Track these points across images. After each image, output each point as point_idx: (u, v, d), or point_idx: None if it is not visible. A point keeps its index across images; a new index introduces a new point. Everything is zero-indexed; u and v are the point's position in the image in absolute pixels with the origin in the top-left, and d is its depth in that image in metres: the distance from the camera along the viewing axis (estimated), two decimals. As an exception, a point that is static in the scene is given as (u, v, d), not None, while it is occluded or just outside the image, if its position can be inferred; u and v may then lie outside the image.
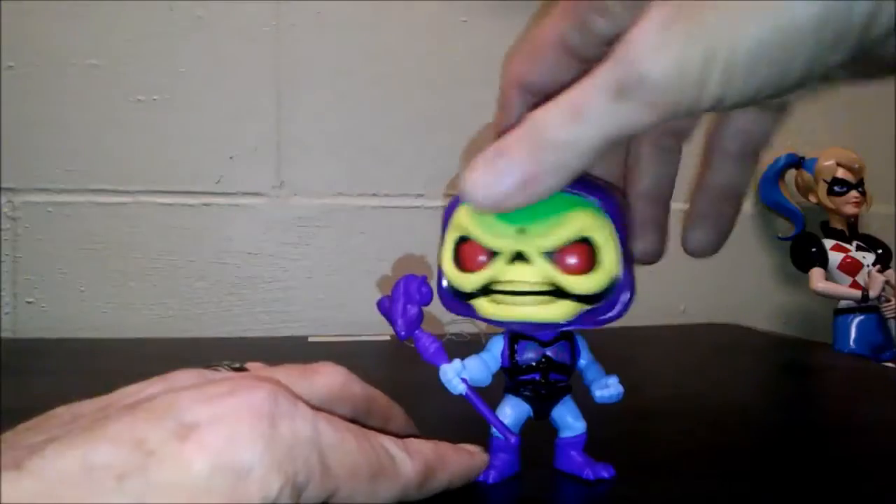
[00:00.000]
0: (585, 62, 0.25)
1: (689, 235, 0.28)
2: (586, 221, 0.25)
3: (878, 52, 0.19)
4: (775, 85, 0.19)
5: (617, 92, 0.20)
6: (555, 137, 0.21)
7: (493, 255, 0.25)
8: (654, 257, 0.28)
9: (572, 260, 0.25)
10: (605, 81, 0.20)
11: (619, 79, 0.19)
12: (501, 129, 0.27)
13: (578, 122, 0.20)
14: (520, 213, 0.24)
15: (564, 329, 0.27)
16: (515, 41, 0.27)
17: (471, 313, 0.27)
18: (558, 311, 0.25)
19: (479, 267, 0.26)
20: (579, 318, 0.26)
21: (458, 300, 0.27)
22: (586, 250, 0.25)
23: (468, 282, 0.26)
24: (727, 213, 0.28)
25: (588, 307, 0.26)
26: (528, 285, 0.25)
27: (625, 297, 0.26)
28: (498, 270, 0.25)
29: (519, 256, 0.25)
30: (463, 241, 0.26)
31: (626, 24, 0.21)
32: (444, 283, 0.27)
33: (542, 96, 0.27)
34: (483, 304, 0.26)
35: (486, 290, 0.26)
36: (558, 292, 0.25)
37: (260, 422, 0.19)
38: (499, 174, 0.21)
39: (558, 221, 0.25)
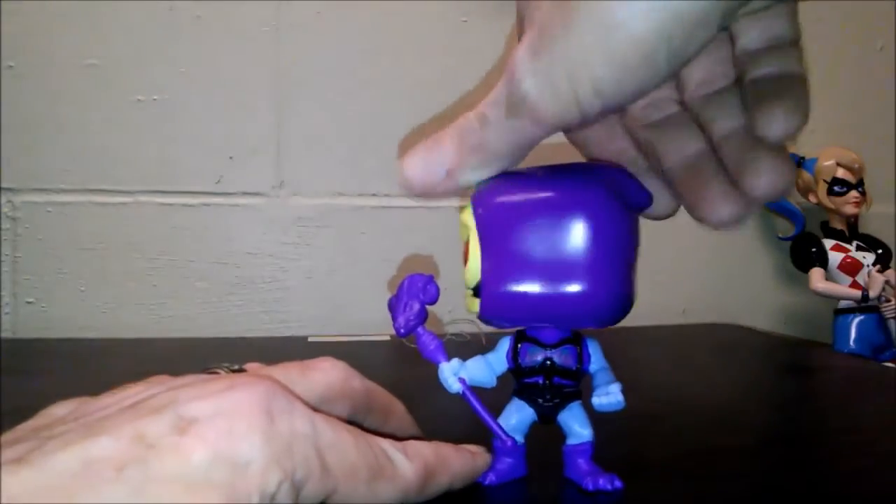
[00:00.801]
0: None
1: (756, 170, 0.22)
2: (462, 220, 0.26)
3: None
4: (653, 74, 0.20)
5: (508, 108, 0.22)
6: (470, 140, 0.24)
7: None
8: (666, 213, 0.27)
9: (464, 254, 0.26)
10: (500, 96, 0.22)
11: (508, 97, 0.22)
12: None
13: (486, 130, 0.23)
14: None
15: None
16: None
17: None
18: (470, 304, 0.27)
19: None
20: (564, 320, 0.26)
21: None
22: (466, 247, 0.26)
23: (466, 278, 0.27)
24: (772, 154, 0.22)
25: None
26: (471, 281, 0.27)
27: (485, 299, 0.25)
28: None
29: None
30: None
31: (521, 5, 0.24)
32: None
33: None
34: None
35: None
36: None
37: (258, 417, 0.19)
38: (431, 163, 0.24)
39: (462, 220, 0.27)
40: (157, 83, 0.65)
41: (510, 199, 0.25)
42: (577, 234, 0.24)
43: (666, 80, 0.20)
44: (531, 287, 0.25)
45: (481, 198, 0.25)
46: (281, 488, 0.18)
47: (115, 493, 0.17)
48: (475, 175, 0.24)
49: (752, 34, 0.23)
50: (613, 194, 0.25)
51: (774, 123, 0.21)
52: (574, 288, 0.24)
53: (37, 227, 0.63)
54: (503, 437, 0.27)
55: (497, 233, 0.25)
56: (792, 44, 0.22)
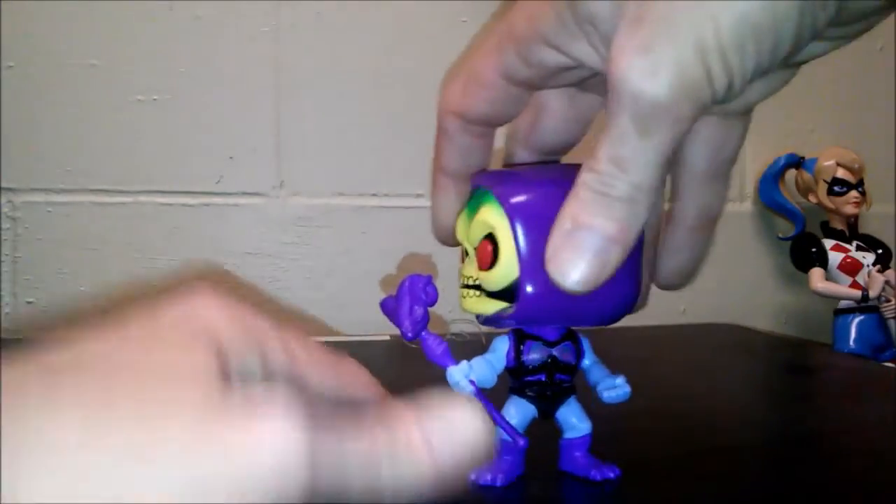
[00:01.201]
0: (532, 88, 0.25)
1: (662, 269, 0.27)
2: (486, 217, 0.26)
3: (854, 4, 0.19)
4: (772, 51, 0.19)
5: (639, 130, 0.20)
6: (615, 195, 0.21)
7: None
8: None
9: (481, 256, 0.26)
10: (623, 128, 0.20)
11: (634, 117, 0.20)
12: (443, 159, 0.28)
13: (629, 172, 0.20)
14: (473, 209, 0.26)
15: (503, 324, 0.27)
16: (451, 66, 0.27)
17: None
18: (482, 306, 0.26)
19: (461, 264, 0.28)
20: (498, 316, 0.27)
21: None
22: (488, 246, 0.26)
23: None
24: (703, 241, 0.27)
25: (508, 304, 0.26)
26: (467, 279, 0.27)
27: (525, 298, 0.25)
28: (463, 266, 0.28)
29: (466, 252, 0.27)
30: None
31: (573, 52, 0.22)
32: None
33: (485, 125, 0.27)
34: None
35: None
36: (480, 287, 0.26)
37: None
38: (591, 253, 0.21)
39: (475, 217, 0.26)
40: (157, 83, 0.65)
41: (543, 196, 0.25)
42: None
43: (782, 59, 0.20)
44: None
45: (510, 195, 0.25)
46: None
47: None
48: (637, 228, 0.21)
49: (704, 155, 0.25)
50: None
51: (669, 281, 0.27)
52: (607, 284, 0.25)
53: (37, 227, 0.63)
54: (516, 437, 0.27)
55: (535, 231, 0.25)
56: (728, 169, 0.25)
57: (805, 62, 0.22)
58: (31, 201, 0.63)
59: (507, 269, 0.25)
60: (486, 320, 0.27)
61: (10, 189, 0.62)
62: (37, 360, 0.18)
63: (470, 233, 0.27)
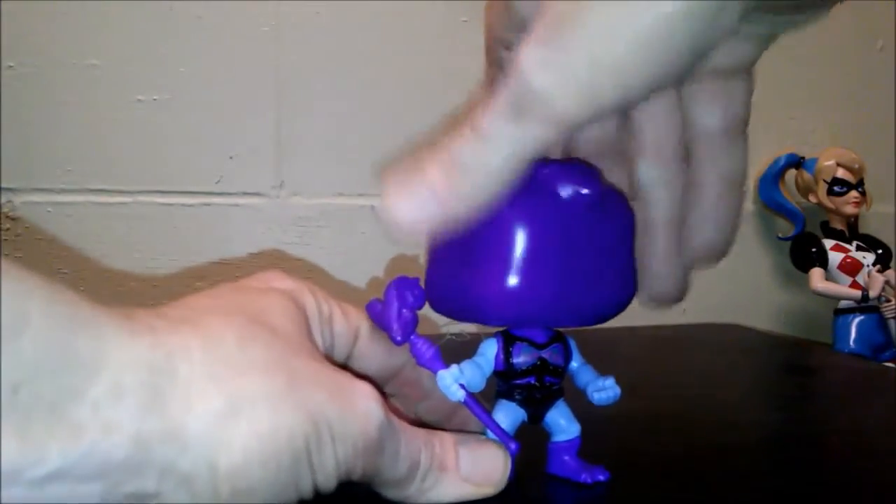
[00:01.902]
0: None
1: (692, 246, 0.27)
2: None
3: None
4: (675, 60, 0.19)
5: (513, 113, 0.20)
6: (462, 160, 0.21)
7: None
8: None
9: None
10: (502, 103, 0.20)
11: (515, 99, 0.20)
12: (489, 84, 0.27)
13: (484, 144, 0.20)
14: None
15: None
16: None
17: None
18: None
19: None
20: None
21: None
22: None
23: None
24: (730, 210, 0.26)
25: None
26: None
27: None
28: None
29: None
30: None
31: (517, 6, 0.22)
32: None
33: None
34: None
35: None
36: None
37: None
38: (417, 198, 0.21)
39: None
40: (157, 83, 0.65)
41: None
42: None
43: (683, 73, 0.20)
44: None
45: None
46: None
47: None
48: (471, 202, 0.21)
49: (712, 112, 0.24)
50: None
51: (705, 253, 0.26)
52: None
53: (37, 227, 0.63)
54: (507, 441, 0.27)
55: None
56: (743, 128, 0.25)
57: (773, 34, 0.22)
58: (31, 201, 0.63)
59: None
60: None
61: (10, 189, 0.62)
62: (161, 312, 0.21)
63: None
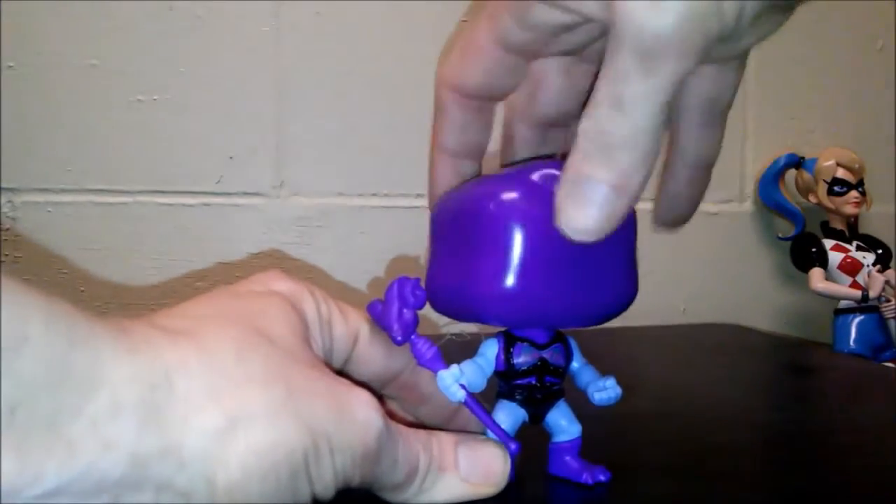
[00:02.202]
0: (529, 56, 0.25)
1: (658, 212, 0.27)
2: None
3: None
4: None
5: (642, 68, 0.19)
6: (615, 141, 0.20)
7: None
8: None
9: None
10: (624, 66, 0.19)
11: (636, 54, 0.19)
12: (440, 136, 0.27)
13: (629, 113, 0.19)
14: None
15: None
16: (446, 42, 0.26)
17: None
18: None
19: None
20: None
21: None
22: None
23: None
24: (699, 186, 0.27)
25: None
26: None
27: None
28: None
29: None
30: None
31: (573, 4, 0.21)
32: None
33: (482, 98, 0.26)
34: None
35: None
36: None
37: None
38: (596, 201, 0.20)
39: None
40: (157, 83, 0.65)
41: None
42: None
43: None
44: None
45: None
46: None
47: None
48: (645, 171, 0.20)
49: (699, 93, 0.24)
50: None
51: (669, 222, 0.27)
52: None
53: (37, 227, 0.63)
54: (507, 441, 0.27)
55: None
56: (725, 112, 0.25)
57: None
58: (31, 201, 0.63)
59: None
60: None
61: (10, 189, 0.62)
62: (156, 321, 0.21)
63: None
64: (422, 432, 0.25)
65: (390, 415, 0.25)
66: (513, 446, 0.26)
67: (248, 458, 0.18)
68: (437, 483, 0.24)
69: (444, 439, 0.25)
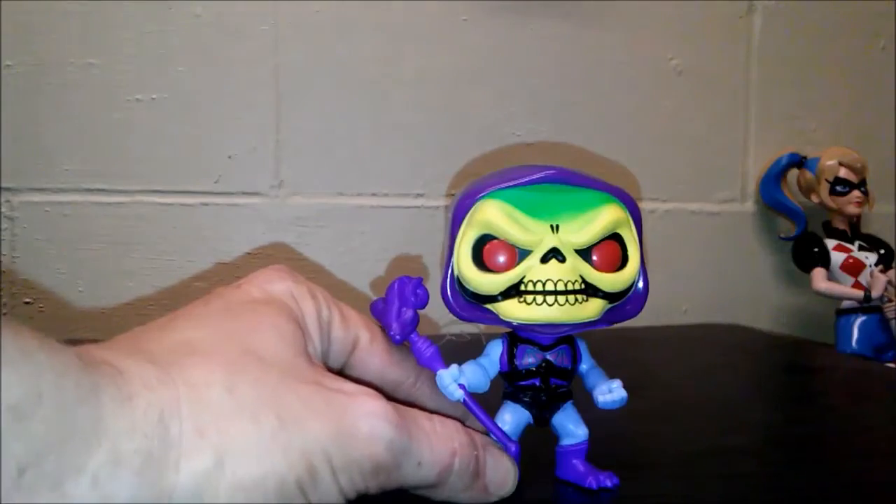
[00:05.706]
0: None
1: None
2: (616, 217, 0.25)
3: None
4: None
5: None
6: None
7: (521, 253, 0.25)
8: None
9: (606, 257, 0.25)
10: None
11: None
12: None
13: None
14: (551, 207, 0.24)
15: (593, 328, 0.26)
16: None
17: (486, 318, 0.26)
18: (591, 310, 0.25)
19: (507, 266, 0.25)
20: (605, 317, 0.26)
21: (474, 304, 0.26)
22: (617, 247, 0.25)
23: (494, 283, 0.25)
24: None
25: (610, 305, 0.26)
26: (563, 284, 0.24)
27: (639, 292, 0.27)
28: (529, 269, 0.24)
29: (553, 254, 0.24)
30: (486, 239, 0.25)
31: None
32: (456, 286, 0.26)
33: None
34: (509, 307, 0.25)
35: (514, 291, 0.25)
36: (590, 290, 0.25)
37: None
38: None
39: (591, 217, 0.25)
40: (156, 82, 0.64)
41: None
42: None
43: None
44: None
45: (621, 194, 0.26)
46: None
47: None
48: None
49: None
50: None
51: None
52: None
53: (36, 227, 0.63)
54: (507, 442, 0.26)
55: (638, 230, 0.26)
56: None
57: None
58: (30, 201, 0.63)
59: (634, 269, 0.26)
60: (522, 327, 0.26)
61: (9, 189, 0.62)
62: (141, 348, 0.21)
63: (569, 233, 0.25)
64: (454, 427, 0.24)
65: (411, 405, 0.24)
66: (512, 447, 0.26)
67: (237, 494, 0.18)
68: (470, 487, 0.24)
69: (478, 439, 0.25)
